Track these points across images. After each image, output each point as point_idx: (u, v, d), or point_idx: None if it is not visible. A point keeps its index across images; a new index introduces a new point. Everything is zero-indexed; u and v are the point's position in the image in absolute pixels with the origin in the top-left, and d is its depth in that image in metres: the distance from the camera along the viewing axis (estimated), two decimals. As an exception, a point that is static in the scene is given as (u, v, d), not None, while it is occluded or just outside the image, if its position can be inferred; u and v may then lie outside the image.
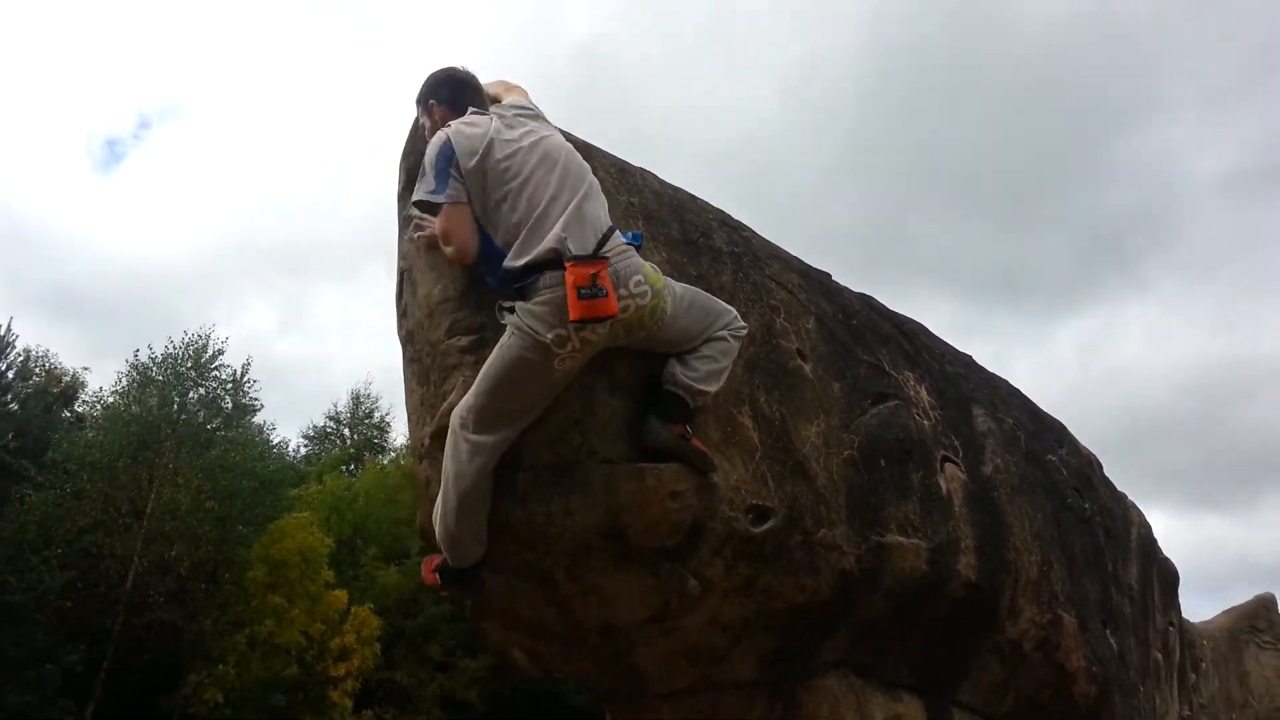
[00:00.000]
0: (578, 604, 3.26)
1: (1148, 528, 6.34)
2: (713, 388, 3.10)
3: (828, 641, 3.71)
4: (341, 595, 20.30)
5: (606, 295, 2.76)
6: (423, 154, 3.32)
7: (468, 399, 2.95)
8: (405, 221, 3.37)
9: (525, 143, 3.01)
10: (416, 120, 3.44)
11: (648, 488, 2.98)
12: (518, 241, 2.87)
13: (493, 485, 2.99)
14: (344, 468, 26.16)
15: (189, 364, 20.76)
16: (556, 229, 2.84)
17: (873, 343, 4.23)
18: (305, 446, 29.65)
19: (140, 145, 74.71)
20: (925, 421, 4.17)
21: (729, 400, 3.30)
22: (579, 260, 2.79)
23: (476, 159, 2.94)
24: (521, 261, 2.83)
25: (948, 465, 4.17)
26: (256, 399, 22.25)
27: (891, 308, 4.75)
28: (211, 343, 21.27)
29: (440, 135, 3.01)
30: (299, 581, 19.87)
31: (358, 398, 29.60)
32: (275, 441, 25.40)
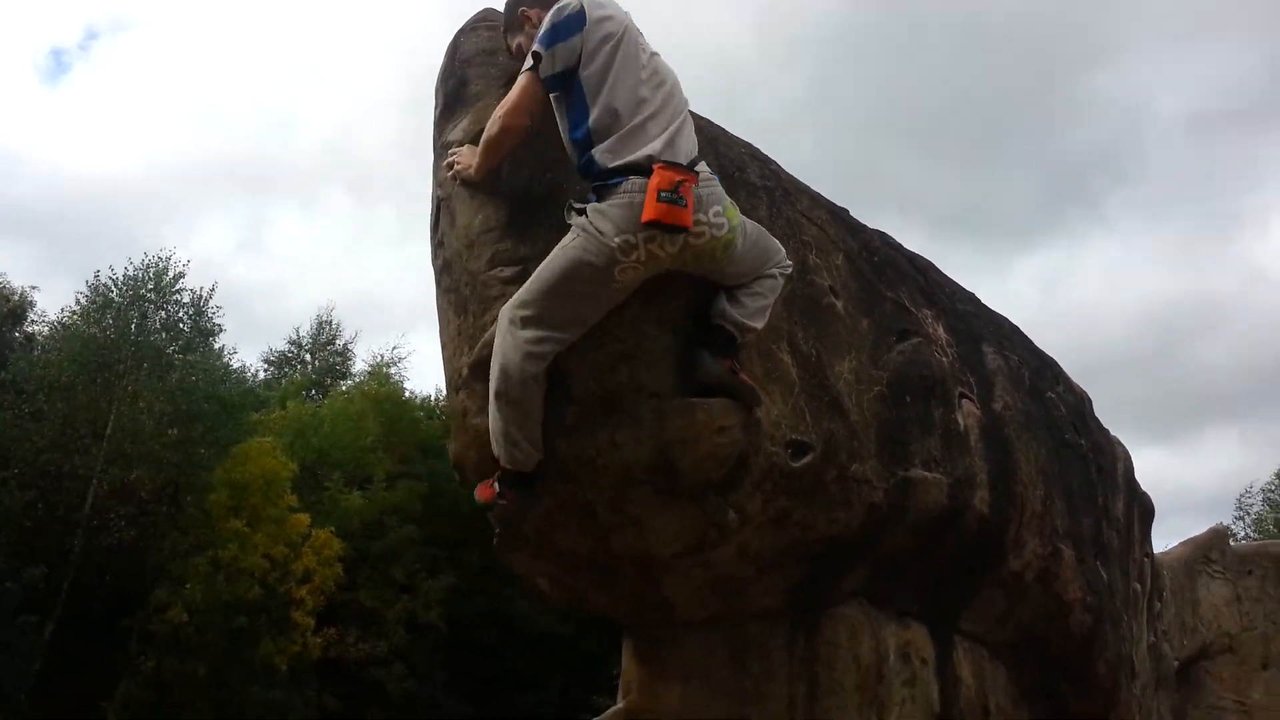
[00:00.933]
0: (616, 536, 3.28)
1: (1130, 462, 6.52)
2: (760, 324, 3.10)
3: (850, 573, 3.79)
4: (304, 519, 20.33)
5: (685, 206, 2.71)
6: (462, 79, 3.24)
7: (521, 294, 2.88)
8: (442, 149, 3.28)
9: (647, 49, 3.01)
10: (454, 42, 3.34)
11: (697, 422, 2.99)
12: (613, 137, 2.82)
13: (544, 390, 2.90)
14: (305, 393, 25.92)
15: (150, 286, 20.28)
16: (656, 144, 2.81)
17: (893, 279, 4.25)
18: (265, 371, 29.35)
19: (87, 57, 71.54)
20: (944, 359, 4.21)
21: (769, 336, 3.30)
22: (670, 164, 2.75)
23: (610, 27, 2.90)
24: (615, 163, 2.79)
25: (964, 401, 4.23)
26: (219, 324, 21.87)
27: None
28: (173, 265, 20.82)
29: (574, 2, 2.91)
30: (261, 505, 19.86)
31: (320, 323, 29.25)
32: (236, 366, 25.08)
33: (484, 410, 3.12)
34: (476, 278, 3.16)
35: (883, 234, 4.66)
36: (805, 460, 3.28)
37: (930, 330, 4.25)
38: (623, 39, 2.93)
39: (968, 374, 4.40)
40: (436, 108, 3.35)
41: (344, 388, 26.66)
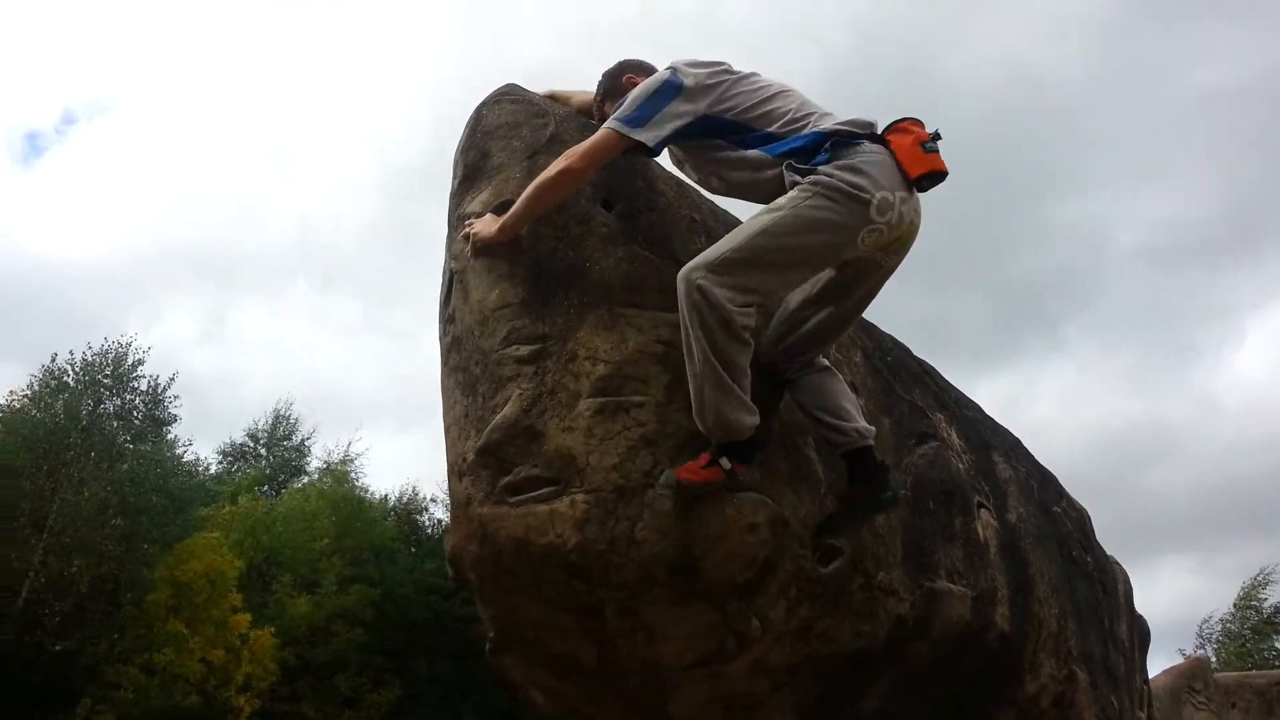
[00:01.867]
0: (623, 642, 3.00)
1: (1129, 584, 6.33)
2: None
3: (870, 692, 3.52)
4: (244, 619, 19.40)
5: (940, 155, 2.78)
6: (484, 151, 3.13)
7: (715, 255, 2.70)
8: (459, 220, 3.12)
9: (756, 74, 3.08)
10: (476, 114, 3.23)
11: (727, 518, 2.77)
12: (809, 121, 2.87)
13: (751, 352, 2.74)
14: (258, 489, 25.15)
15: (107, 372, 19.75)
16: (865, 118, 2.88)
17: (907, 381, 4.11)
18: (219, 463, 28.49)
19: (63, 140, 71.68)
20: (960, 465, 4.05)
21: (794, 431, 3.12)
22: (911, 119, 2.83)
23: (719, 73, 2.97)
24: (834, 125, 2.82)
25: (982, 511, 4.05)
26: (176, 414, 21.29)
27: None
28: (132, 351, 20.32)
29: (660, 73, 2.96)
30: (203, 605, 18.95)
31: (278, 417, 28.61)
32: (189, 458, 24.33)
33: (489, 500, 2.89)
34: (489, 356, 2.96)
35: (891, 336, 4.56)
36: (833, 566, 3.06)
37: (945, 435, 4.10)
38: (739, 73, 3.01)
39: (982, 483, 4.23)
40: (455, 179, 3.21)
41: (299, 484, 25.89)
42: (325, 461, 27.56)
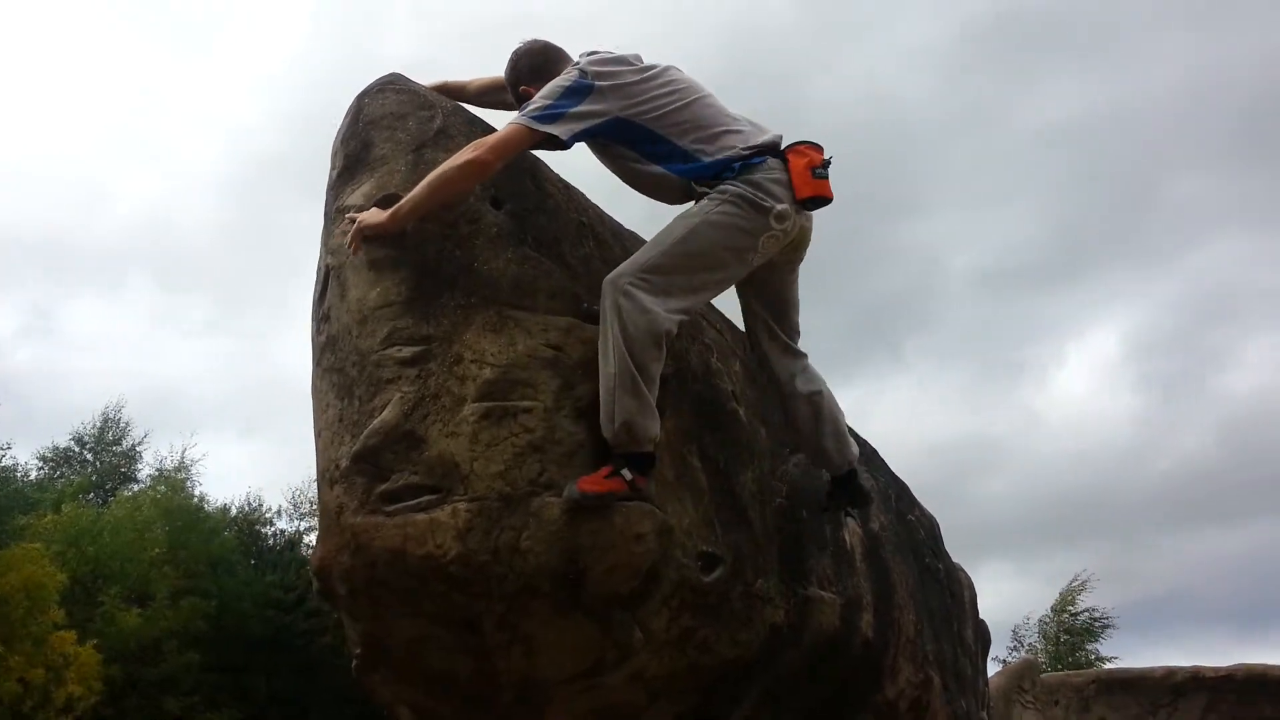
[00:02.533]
0: (501, 655, 2.91)
1: (974, 589, 6.63)
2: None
3: (743, 701, 3.54)
4: (69, 636, 18.02)
5: (829, 181, 3.00)
6: (366, 141, 3.01)
7: (640, 263, 2.85)
8: (338, 214, 2.98)
9: (667, 68, 3.14)
10: (358, 103, 3.09)
11: (615, 527, 2.72)
12: (721, 138, 3.01)
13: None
14: (84, 496, 23.47)
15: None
16: (771, 131, 3.08)
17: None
18: (38, 469, 26.42)
19: None
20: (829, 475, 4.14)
21: (680, 439, 3.11)
22: (808, 144, 3.03)
23: (629, 72, 3.02)
24: (750, 144, 2.99)
25: (849, 519, 4.15)
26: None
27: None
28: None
29: (570, 71, 2.99)
30: (21, 621, 17.48)
31: (107, 420, 26.79)
32: (7, 462, 22.48)
33: (363, 508, 2.76)
34: (367, 357, 2.82)
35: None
36: (715, 574, 3.06)
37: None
38: (651, 71, 3.07)
39: (849, 492, 4.34)
40: (333, 170, 3.05)
41: (130, 492, 24.29)
42: (159, 468, 26.00)
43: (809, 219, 3.12)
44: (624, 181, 3.23)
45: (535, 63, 3.21)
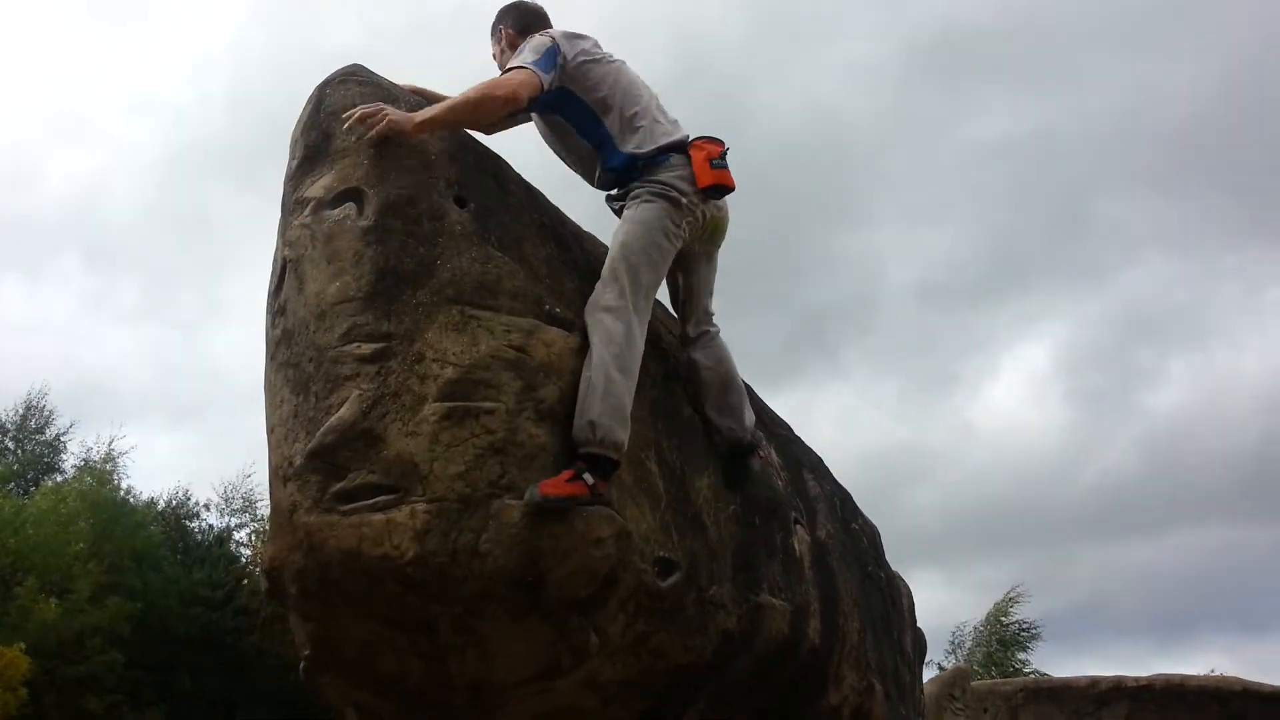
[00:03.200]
0: (455, 658, 2.88)
1: (912, 598, 6.74)
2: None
3: (693, 707, 3.54)
4: (-14, 636, 17.37)
5: (728, 170, 3.27)
6: (327, 132, 2.96)
7: (611, 281, 3.05)
8: (296, 205, 2.92)
9: (615, 58, 3.42)
10: (319, 93, 3.03)
11: (575, 531, 2.71)
12: (637, 132, 3.28)
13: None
14: (4, 486, 22.64)
15: None
16: (680, 129, 3.36)
17: (734, 399, 4.20)
18: (-48, 458, 25.39)
19: None
20: (778, 482, 4.17)
21: (638, 443, 3.10)
22: (709, 138, 3.30)
23: (583, 54, 3.29)
24: (654, 146, 3.26)
25: (798, 527, 4.18)
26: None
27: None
28: None
29: (545, 36, 3.27)
30: (-68, 616, 16.83)
31: (30, 408, 25.86)
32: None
33: (317, 507, 2.70)
34: (325, 353, 2.77)
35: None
36: (671, 580, 3.06)
37: (766, 453, 4.21)
38: (600, 56, 3.34)
39: (797, 499, 4.38)
40: (293, 159, 2.99)
41: (54, 482, 23.47)
42: (85, 459, 25.19)
43: (722, 209, 3.42)
44: (555, 152, 3.56)
45: (527, 21, 3.50)
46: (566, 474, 2.71)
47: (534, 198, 3.37)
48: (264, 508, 25.70)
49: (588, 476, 2.72)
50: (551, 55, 3.17)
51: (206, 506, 25.91)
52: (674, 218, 3.20)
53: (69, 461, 25.76)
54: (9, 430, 25.57)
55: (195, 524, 25.92)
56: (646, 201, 3.20)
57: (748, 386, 4.64)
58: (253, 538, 25.03)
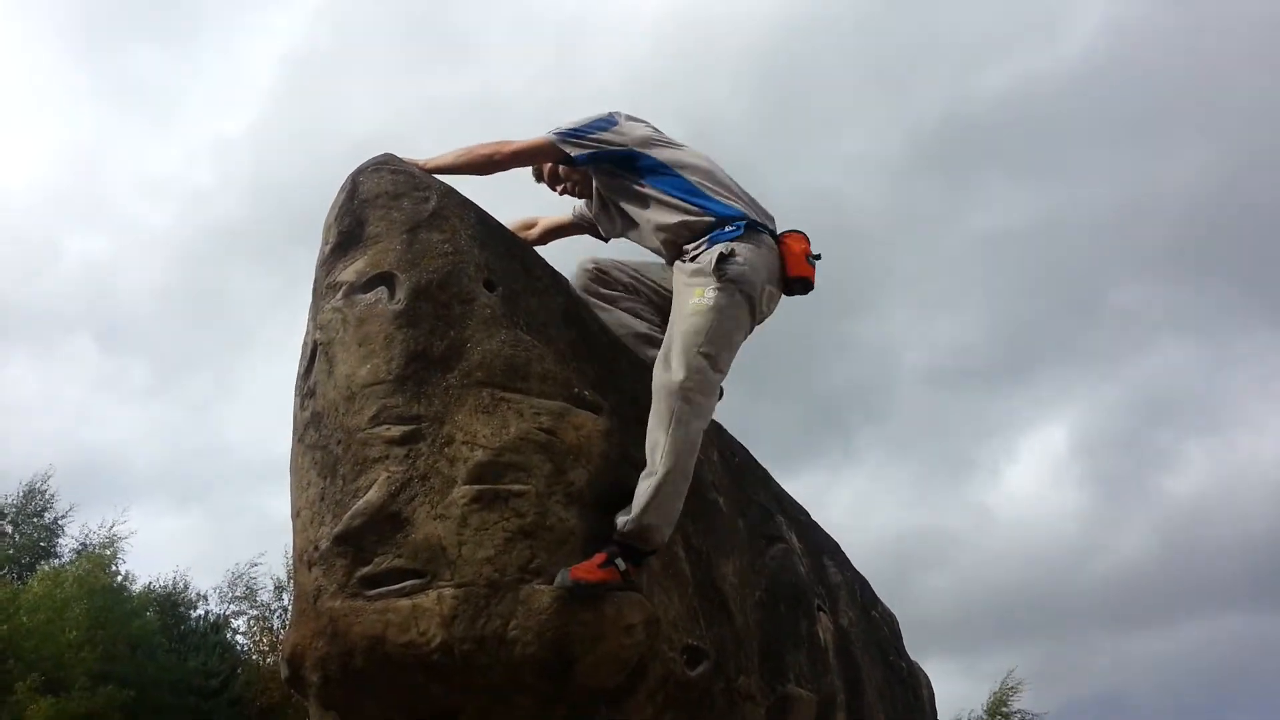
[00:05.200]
0: (477, 750, 2.80)
1: (932, 688, 6.58)
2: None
3: (720, 801, 3.43)
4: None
5: (814, 269, 3.25)
6: (359, 219, 3.02)
7: (688, 364, 2.93)
8: (327, 290, 2.94)
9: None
10: (353, 180, 3.09)
11: (605, 617, 2.66)
12: (729, 198, 3.21)
13: None
14: (1, 571, 22.33)
15: None
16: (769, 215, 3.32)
17: (754, 484, 4.17)
18: (-53, 542, 25.02)
19: None
20: (802, 568, 4.12)
21: (665, 528, 3.07)
22: (801, 233, 3.28)
23: (655, 130, 3.32)
24: (753, 215, 3.20)
25: (821, 614, 4.11)
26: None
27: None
28: None
29: (604, 109, 3.31)
30: (-79, 706, 16.42)
31: (31, 491, 25.63)
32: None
33: (342, 592, 2.66)
34: (354, 435, 2.76)
35: (734, 438, 4.63)
36: (700, 669, 2.99)
37: (788, 537, 4.17)
38: (670, 140, 3.34)
39: (820, 586, 4.32)
40: (326, 245, 3.02)
41: (51, 567, 23.11)
42: (83, 543, 24.87)
43: (775, 301, 3.31)
44: (609, 230, 3.51)
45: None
46: (599, 558, 2.66)
47: (558, 281, 3.40)
48: (265, 595, 25.34)
49: (620, 562, 2.68)
50: (596, 123, 3.23)
51: (204, 596, 25.55)
52: (749, 311, 3.12)
53: (67, 545, 25.48)
54: (7, 515, 25.33)
55: (191, 611, 25.51)
56: (725, 293, 3.03)
57: (765, 472, 4.61)
58: (252, 625, 24.61)
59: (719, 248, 3.06)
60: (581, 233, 3.71)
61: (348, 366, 2.82)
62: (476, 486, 2.67)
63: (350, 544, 2.68)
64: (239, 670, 23.74)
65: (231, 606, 25.30)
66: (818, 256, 3.26)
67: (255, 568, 24.81)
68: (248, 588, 24.88)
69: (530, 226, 3.71)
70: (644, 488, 2.79)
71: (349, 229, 3.01)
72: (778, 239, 3.25)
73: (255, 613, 24.74)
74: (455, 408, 2.77)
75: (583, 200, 3.60)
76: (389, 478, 2.70)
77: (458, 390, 2.79)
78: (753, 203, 3.28)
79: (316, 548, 2.74)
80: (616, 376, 3.22)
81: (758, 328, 3.28)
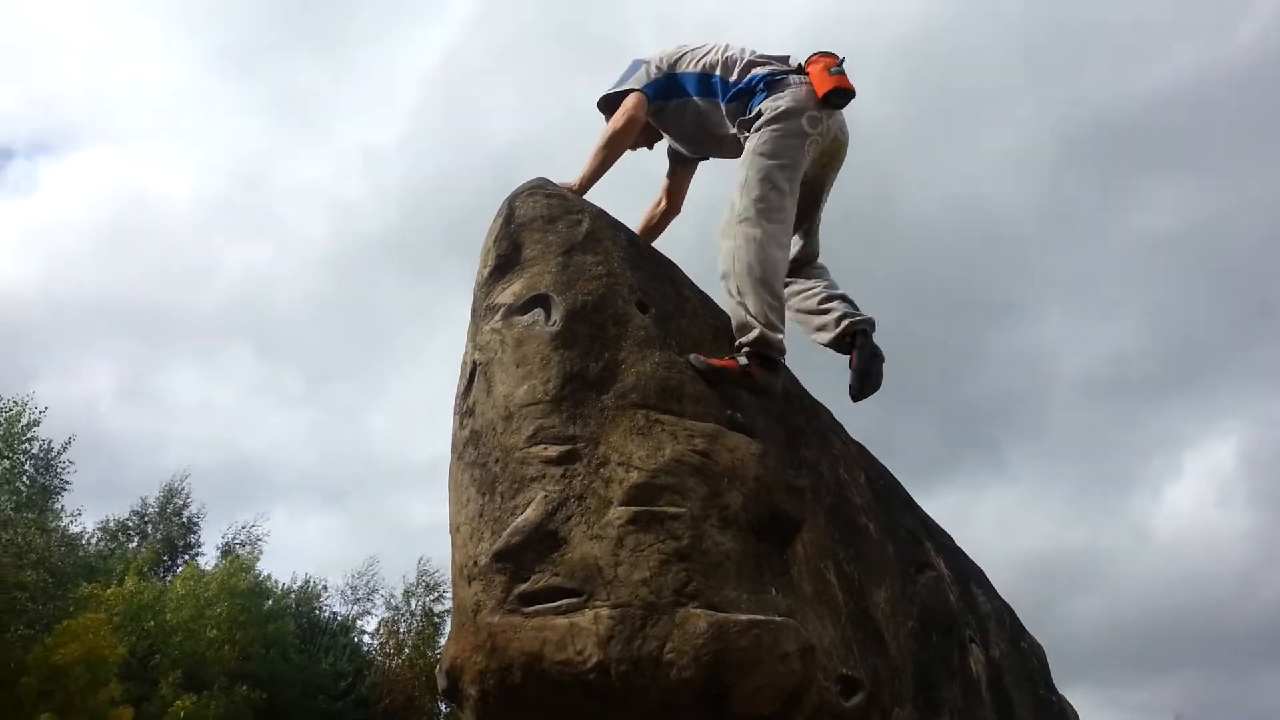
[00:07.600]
0: (629, 773, 2.79)
1: (1079, 724, 6.28)
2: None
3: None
4: (126, 713, 17.97)
5: (846, 75, 3.39)
6: (516, 242, 3.07)
7: (747, 194, 3.21)
8: (486, 311, 3.01)
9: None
10: (509, 204, 3.16)
11: (762, 644, 2.62)
12: (747, 70, 3.47)
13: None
14: (151, 569, 23.69)
15: (-3, 432, 18.57)
16: (793, 62, 3.52)
17: (900, 508, 4.06)
18: (98, 540, 26.70)
19: (11, 165, 68.01)
20: (952, 596, 3.98)
21: (816, 553, 3.02)
22: (822, 53, 3.45)
23: (677, 50, 3.62)
24: (770, 69, 3.45)
25: (973, 645, 3.97)
26: (69, 480, 20.01)
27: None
28: (27, 411, 19.19)
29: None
30: (79, 694, 17.48)
31: (171, 491, 27.14)
32: (75, 530, 22.82)
33: (501, 607, 2.70)
34: (511, 454, 2.81)
35: (879, 461, 4.52)
36: (855, 700, 2.91)
37: (937, 564, 4.04)
38: (689, 47, 3.61)
39: (969, 615, 4.17)
40: (484, 268, 3.10)
41: (195, 564, 24.40)
42: (226, 542, 26.21)
43: (843, 129, 3.52)
44: (691, 149, 3.76)
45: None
46: (728, 356, 3.06)
47: (707, 303, 3.39)
48: (385, 596, 26.09)
49: (743, 358, 3.03)
50: (636, 66, 3.53)
51: (327, 587, 26.42)
52: (796, 136, 3.31)
53: (209, 545, 26.83)
54: (149, 518, 26.81)
55: (323, 612, 26.51)
56: (768, 128, 3.31)
57: (909, 496, 4.49)
58: (380, 628, 25.38)
59: (755, 110, 3.37)
60: (687, 174, 3.89)
61: (506, 386, 2.87)
62: (632, 508, 2.67)
63: (509, 561, 2.72)
64: (364, 671, 24.51)
65: (356, 607, 26.16)
66: (841, 61, 3.43)
67: (372, 568, 25.58)
68: (369, 588, 25.67)
69: (649, 226, 3.88)
70: (731, 305, 3.15)
71: (506, 252, 3.07)
72: (802, 70, 3.46)
73: (385, 615, 25.48)
74: (610, 429, 2.78)
75: (650, 149, 3.86)
76: (546, 497, 2.73)
77: (613, 412, 2.80)
78: (767, 59, 3.54)
79: (476, 563, 2.79)
80: (766, 399, 3.18)
81: (837, 157, 3.58)
